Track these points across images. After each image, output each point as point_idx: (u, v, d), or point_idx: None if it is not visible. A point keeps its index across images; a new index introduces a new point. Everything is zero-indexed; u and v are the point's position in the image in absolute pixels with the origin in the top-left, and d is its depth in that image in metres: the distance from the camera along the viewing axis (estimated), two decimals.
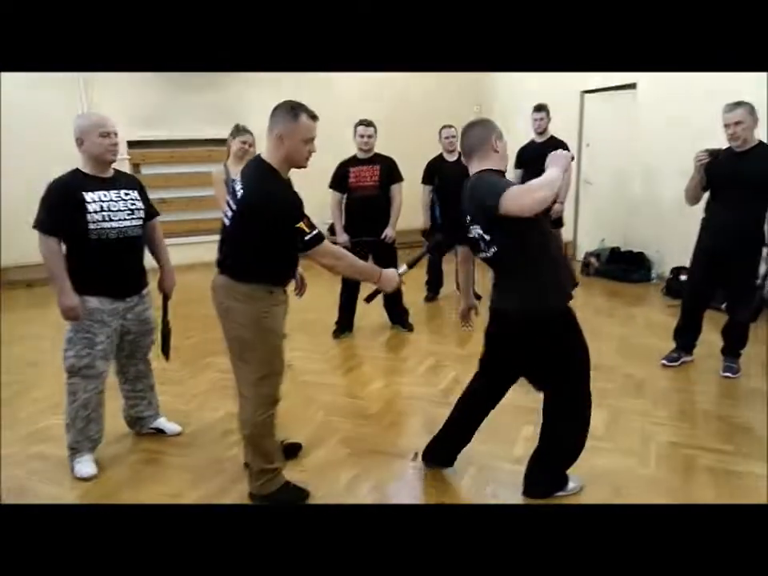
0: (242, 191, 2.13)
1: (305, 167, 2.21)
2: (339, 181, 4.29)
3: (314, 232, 2.10)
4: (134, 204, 2.63)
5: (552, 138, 5.15)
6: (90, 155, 2.53)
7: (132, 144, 6.80)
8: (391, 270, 2.32)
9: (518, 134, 6.10)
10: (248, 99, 7.05)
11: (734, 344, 3.50)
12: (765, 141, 3.28)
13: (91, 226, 2.48)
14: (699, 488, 2.40)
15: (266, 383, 2.25)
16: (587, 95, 6.44)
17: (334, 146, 5.67)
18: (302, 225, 2.07)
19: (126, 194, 2.62)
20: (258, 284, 2.19)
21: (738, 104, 3.19)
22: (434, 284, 5.41)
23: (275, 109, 2.18)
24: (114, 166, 2.65)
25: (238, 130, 4.06)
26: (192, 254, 7.20)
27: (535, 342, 2.18)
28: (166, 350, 2.96)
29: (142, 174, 7.00)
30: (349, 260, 2.25)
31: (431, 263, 5.37)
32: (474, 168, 2.23)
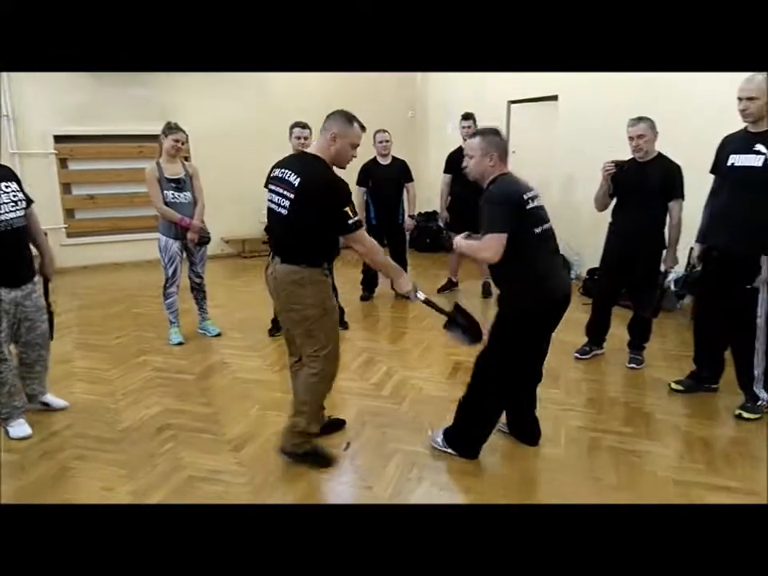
0: (298, 179, 2.38)
1: (344, 168, 2.54)
2: None
3: (357, 218, 2.41)
4: (16, 195, 2.74)
5: None
6: None
7: (59, 138, 6.58)
8: (410, 283, 2.60)
9: (448, 139, 6.37)
10: (180, 95, 6.98)
11: (638, 338, 3.84)
12: None
13: None
14: (602, 466, 2.66)
15: (330, 358, 2.57)
16: (513, 105, 6.78)
17: (268, 145, 5.72)
18: (348, 209, 2.37)
19: (7, 187, 2.72)
20: (317, 267, 2.48)
21: (640, 119, 3.48)
22: (369, 283, 5.56)
23: (332, 114, 2.52)
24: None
25: (170, 128, 4.07)
26: (121, 252, 7.06)
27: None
28: (50, 332, 3.08)
29: (69, 169, 6.79)
30: (380, 256, 2.57)
31: (367, 263, 5.50)
32: (507, 168, 2.53)
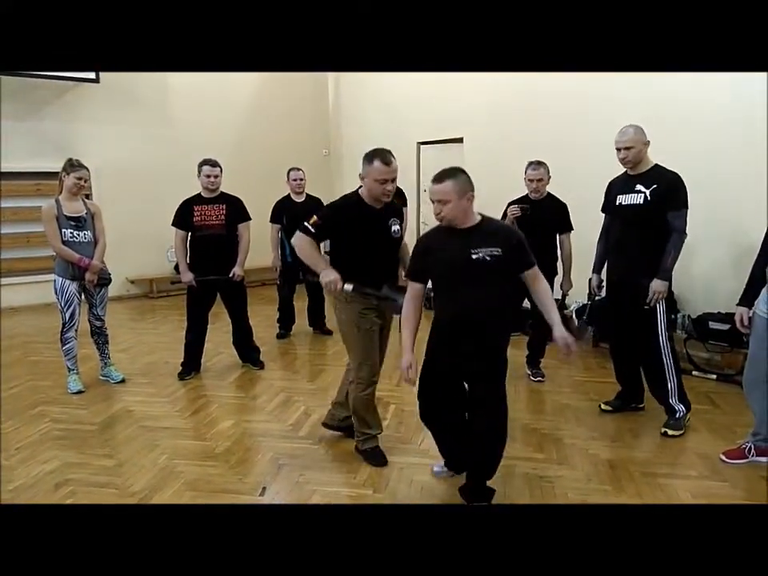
0: None
1: (383, 201, 2.79)
2: (182, 219, 4.24)
3: (306, 225, 2.73)
4: None
5: None
6: None
7: None
8: (334, 275, 2.70)
9: None
10: (81, 129, 6.75)
11: (535, 354, 4.31)
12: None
13: None
14: (517, 491, 2.72)
15: (364, 368, 2.87)
16: (423, 146, 7.04)
17: (175, 181, 5.59)
18: (313, 218, 2.74)
19: None
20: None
21: (539, 163, 4.00)
22: (286, 321, 5.49)
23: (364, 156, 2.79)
24: None
25: (72, 166, 3.90)
26: (18, 296, 6.61)
27: None
28: None
29: None
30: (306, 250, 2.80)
31: (283, 300, 5.44)
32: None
